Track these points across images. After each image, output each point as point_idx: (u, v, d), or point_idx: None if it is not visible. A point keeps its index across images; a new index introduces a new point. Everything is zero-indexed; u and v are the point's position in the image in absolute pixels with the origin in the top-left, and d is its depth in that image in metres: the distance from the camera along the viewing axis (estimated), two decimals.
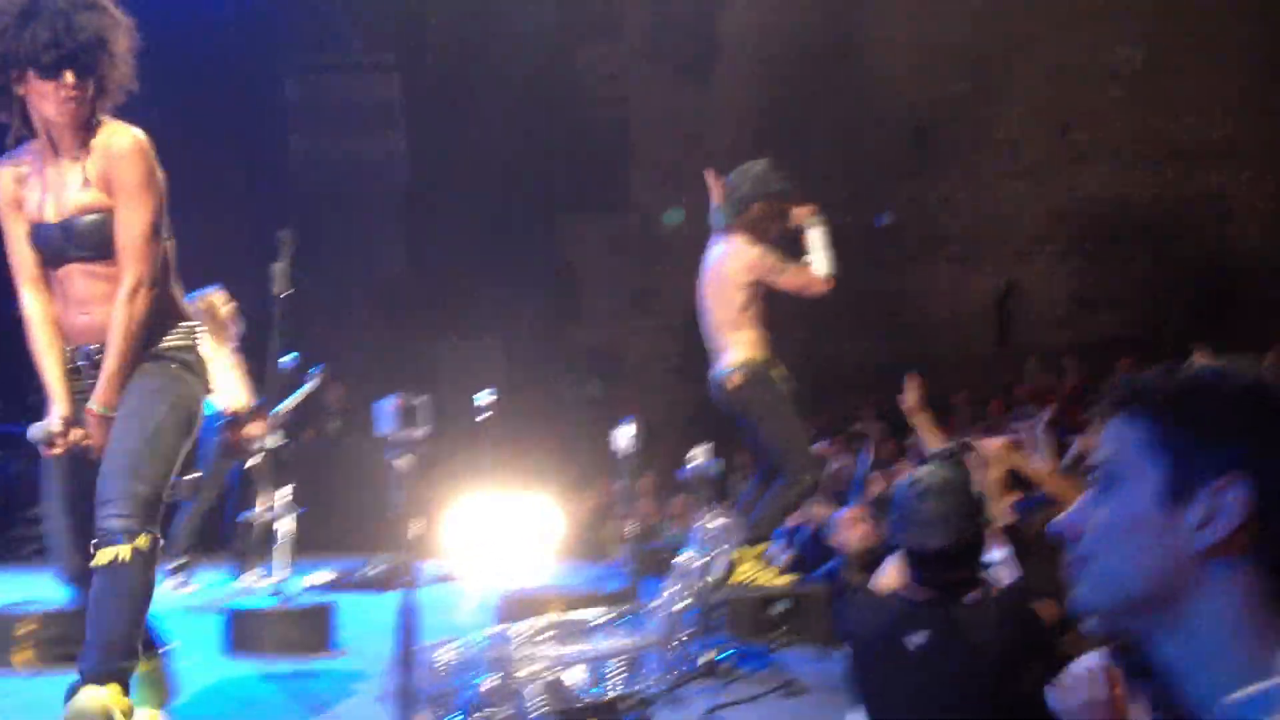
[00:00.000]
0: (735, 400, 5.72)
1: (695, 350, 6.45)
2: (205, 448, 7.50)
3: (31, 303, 3.64)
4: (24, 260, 3.64)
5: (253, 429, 7.32)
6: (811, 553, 6.46)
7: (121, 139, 3.59)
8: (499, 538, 7.68)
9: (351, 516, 8.90)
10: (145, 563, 3.37)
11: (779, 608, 5.53)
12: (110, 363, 3.53)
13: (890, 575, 3.83)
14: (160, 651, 3.78)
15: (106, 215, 3.56)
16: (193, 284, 7.66)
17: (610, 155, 11.26)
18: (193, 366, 3.70)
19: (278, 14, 10.78)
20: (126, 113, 3.70)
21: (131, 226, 3.55)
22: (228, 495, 7.55)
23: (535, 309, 11.04)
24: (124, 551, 3.33)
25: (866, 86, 11.34)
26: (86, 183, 3.57)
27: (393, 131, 11.17)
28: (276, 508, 6.16)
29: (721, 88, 11.24)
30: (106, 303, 3.57)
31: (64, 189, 3.60)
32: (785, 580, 5.80)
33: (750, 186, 5.73)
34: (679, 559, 5.66)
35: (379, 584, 7.09)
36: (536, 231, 11.34)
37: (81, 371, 3.64)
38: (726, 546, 5.47)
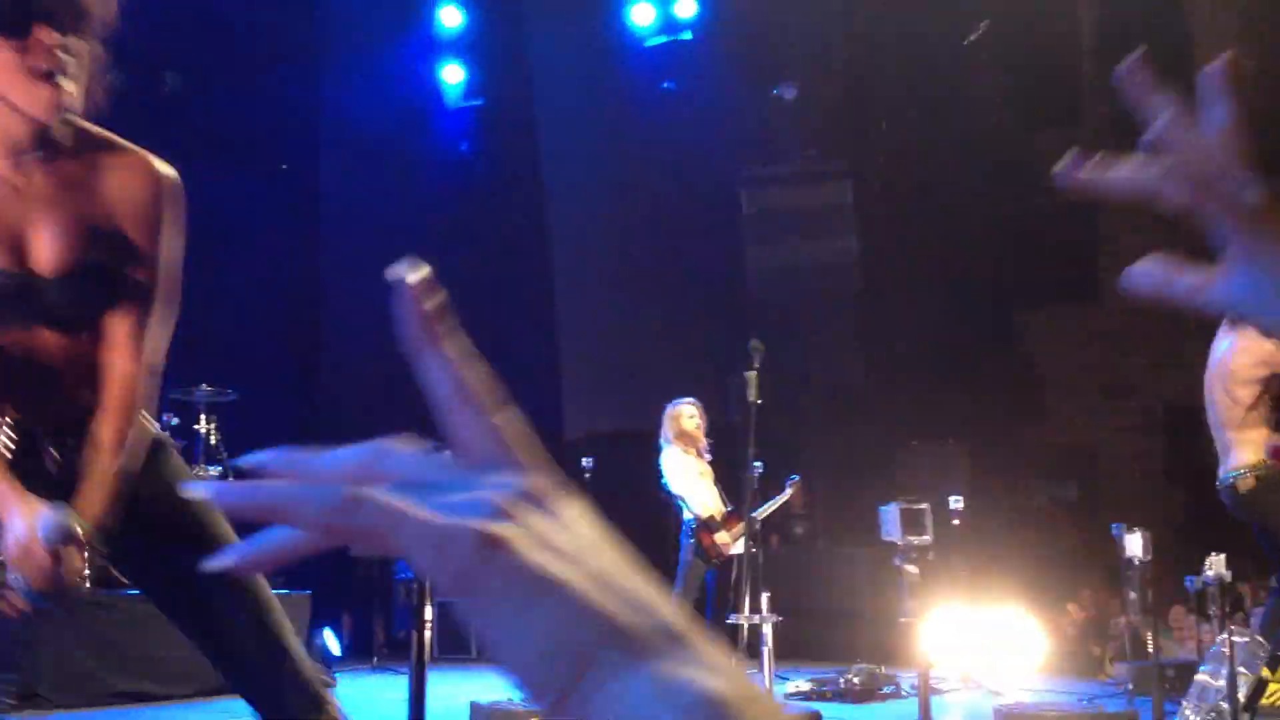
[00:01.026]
0: (1250, 506, 5.22)
1: (1181, 449, 5.96)
2: (682, 552, 7.69)
3: None
4: None
5: (725, 535, 7.48)
6: None
7: (142, 160, 2.44)
8: (978, 649, 7.38)
9: (823, 622, 8.82)
10: None
11: None
12: (106, 456, 2.39)
13: None
14: None
15: (108, 272, 2.42)
16: (662, 395, 8.00)
17: (1075, 244, 10.79)
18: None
19: (731, 129, 11.16)
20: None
21: (169, 268, 2.47)
22: (704, 600, 7.66)
23: (998, 409, 10.65)
24: None
25: None
26: (82, 220, 2.39)
27: (845, 237, 11.23)
28: (757, 613, 6.17)
29: None
30: (76, 390, 2.44)
31: (35, 223, 2.37)
32: None
33: None
34: (1198, 678, 5.20)
35: (857, 694, 6.93)
36: (995, 328, 11.01)
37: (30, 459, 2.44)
38: (1251, 666, 4.99)
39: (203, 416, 8.30)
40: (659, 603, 0.52)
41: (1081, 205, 10.81)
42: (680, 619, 0.52)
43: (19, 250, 2.36)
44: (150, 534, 2.47)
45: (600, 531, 0.55)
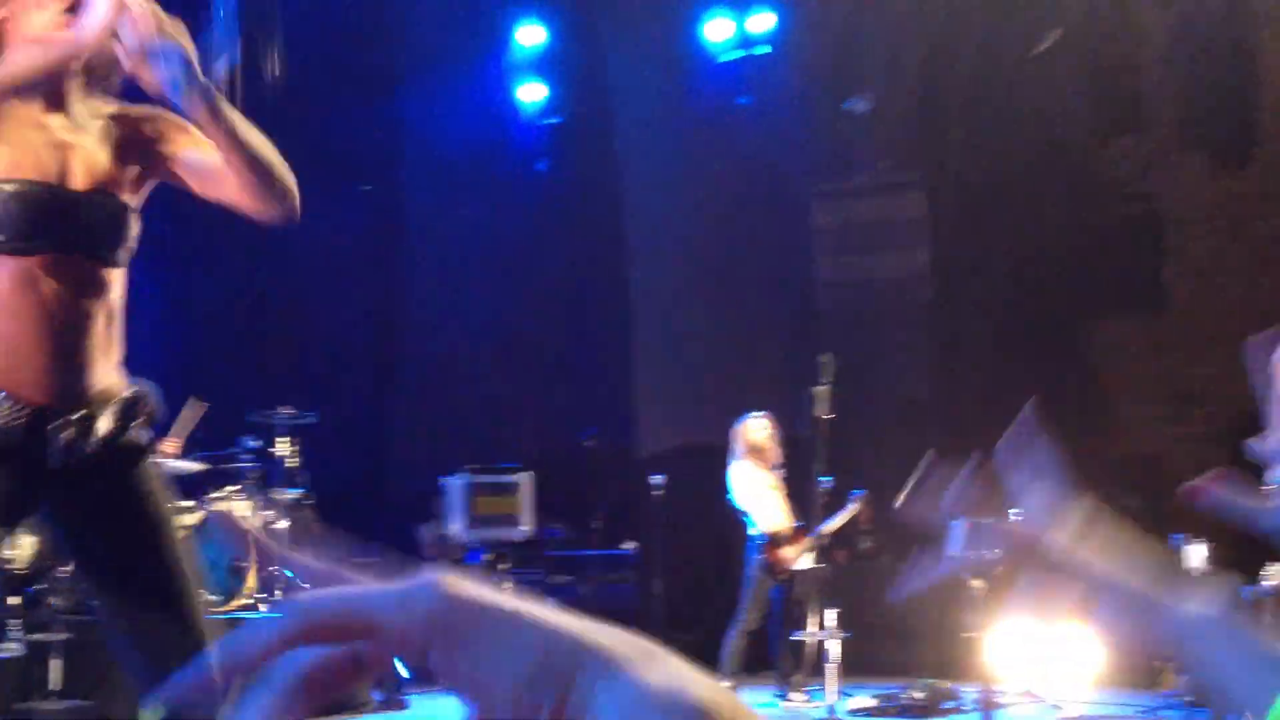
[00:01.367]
0: None
1: (1248, 460, 6.02)
2: (748, 568, 7.86)
3: None
4: None
5: (791, 550, 7.61)
6: None
7: (162, 109, 2.53)
8: (1038, 662, 7.47)
9: (888, 638, 8.91)
10: None
11: None
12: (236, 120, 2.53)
13: None
14: None
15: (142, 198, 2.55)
16: (734, 410, 8.14)
17: (1142, 252, 10.78)
18: None
19: (806, 143, 11.27)
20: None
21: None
22: (770, 615, 7.79)
23: (1064, 420, 10.62)
24: None
25: None
26: (120, 147, 2.51)
27: (917, 249, 11.30)
28: (822, 629, 6.31)
29: (1263, 172, 10.51)
30: (93, 355, 2.43)
31: (82, 144, 2.47)
32: None
33: None
34: None
35: (923, 709, 7.06)
36: (1065, 339, 11.01)
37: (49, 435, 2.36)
38: None
39: (279, 439, 7.98)
40: (615, 629, 0.55)
41: (1149, 214, 10.82)
42: (643, 639, 0.55)
43: (60, 173, 2.41)
44: (108, 496, 2.48)
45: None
